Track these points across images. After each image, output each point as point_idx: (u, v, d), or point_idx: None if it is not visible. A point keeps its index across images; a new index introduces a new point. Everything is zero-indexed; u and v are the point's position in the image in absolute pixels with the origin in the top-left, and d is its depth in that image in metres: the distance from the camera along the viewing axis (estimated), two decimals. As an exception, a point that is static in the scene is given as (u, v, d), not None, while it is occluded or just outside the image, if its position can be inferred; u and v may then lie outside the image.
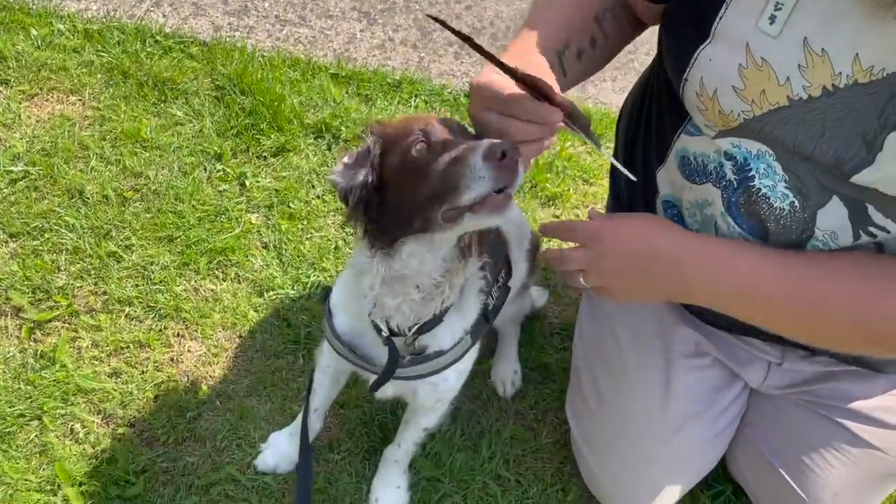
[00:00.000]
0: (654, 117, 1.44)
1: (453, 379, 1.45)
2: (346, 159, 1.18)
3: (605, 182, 2.36)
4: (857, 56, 1.03)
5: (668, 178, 1.42)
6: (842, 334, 1.20)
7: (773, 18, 1.09)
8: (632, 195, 1.57)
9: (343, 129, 2.36)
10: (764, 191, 1.21)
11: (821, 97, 1.08)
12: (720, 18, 1.14)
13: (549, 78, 1.12)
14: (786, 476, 1.51)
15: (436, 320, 1.30)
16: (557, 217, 2.31)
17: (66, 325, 1.95)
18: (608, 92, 2.69)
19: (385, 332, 1.30)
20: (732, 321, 1.35)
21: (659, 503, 1.60)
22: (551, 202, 2.34)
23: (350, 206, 1.16)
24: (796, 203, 1.18)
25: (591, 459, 1.67)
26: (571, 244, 1.31)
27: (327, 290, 1.52)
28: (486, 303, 1.39)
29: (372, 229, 1.17)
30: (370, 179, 1.13)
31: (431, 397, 1.49)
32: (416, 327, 1.28)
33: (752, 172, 1.21)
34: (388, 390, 1.47)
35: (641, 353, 1.60)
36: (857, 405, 1.45)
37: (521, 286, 1.77)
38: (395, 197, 1.12)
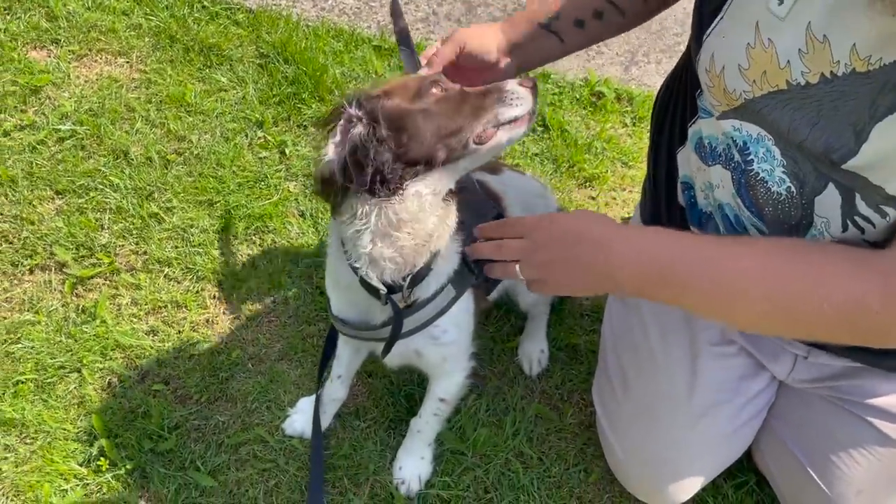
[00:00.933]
0: (680, 101, 1.45)
1: (453, 332, 1.48)
2: (334, 139, 1.21)
3: (644, 165, 2.34)
4: (854, 45, 1.03)
5: (685, 160, 1.44)
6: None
7: (782, 0, 1.08)
8: (657, 179, 1.58)
9: (383, 101, 2.36)
10: (762, 175, 1.21)
11: (818, 84, 1.08)
12: None
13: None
14: (810, 471, 1.50)
15: (426, 269, 1.34)
16: (594, 199, 2.30)
17: (108, 282, 2.00)
18: (652, 74, 2.65)
19: (383, 290, 1.33)
20: None
21: (682, 489, 1.60)
22: (588, 183, 2.33)
23: (350, 165, 1.19)
24: (793, 188, 1.18)
25: (615, 443, 1.67)
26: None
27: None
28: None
29: (376, 178, 1.19)
30: (376, 132, 1.18)
31: (436, 354, 1.52)
32: (409, 278, 1.32)
33: (752, 156, 1.22)
34: (395, 358, 1.51)
35: (668, 340, 1.59)
36: (884, 402, 1.43)
37: None
38: (412, 137, 1.20)
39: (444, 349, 1.52)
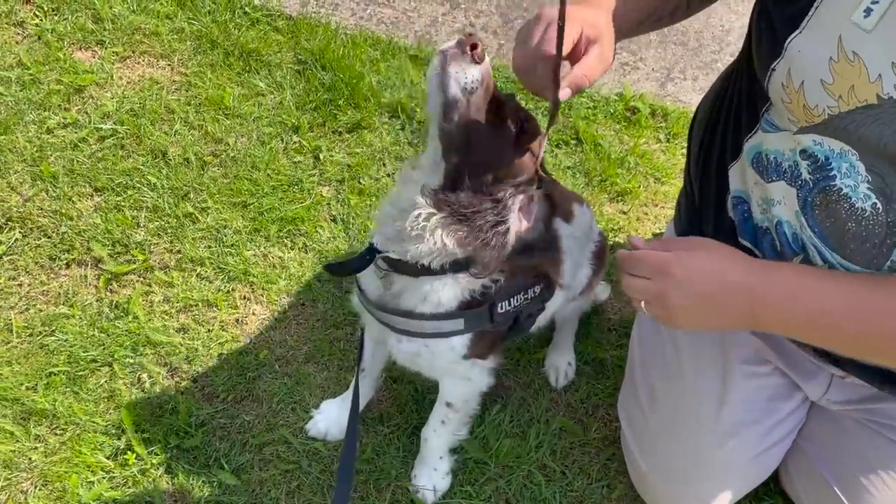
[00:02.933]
0: (732, 114, 1.42)
1: (424, 351, 1.48)
2: None
3: (677, 182, 2.33)
4: None
5: (739, 175, 1.40)
6: None
7: (868, 11, 1.05)
8: (703, 196, 1.55)
9: (418, 110, 2.38)
10: (845, 191, 1.17)
11: None
12: (815, 8, 1.11)
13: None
14: (840, 495, 1.47)
15: (411, 269, 1.35)
16: (625, 213, 2.29)
17: (141, 279, 2.03)
18: (688, 91, 2.63)
19: (369, 243, 1.41)
20: None
21: (706, 509, 1.58)
22: (620, 198, 2.32)
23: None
24: (878, 205, 1.15)
25: (640, 459, 1.65)
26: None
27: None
28: (478, 297, 1.41)
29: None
30: None
31: (402, 358, 1.54)
32: (386, 254, 1.37)
33: (834, 171, 1.18)
34: (402, 355, 1.54)
35: (699, 356, 1.58)
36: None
37: (584, 288, 1.78)
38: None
39: (415, 359, 1.52)
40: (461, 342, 1.46)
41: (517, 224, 1.27)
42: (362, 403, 1.82)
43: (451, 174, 1.26)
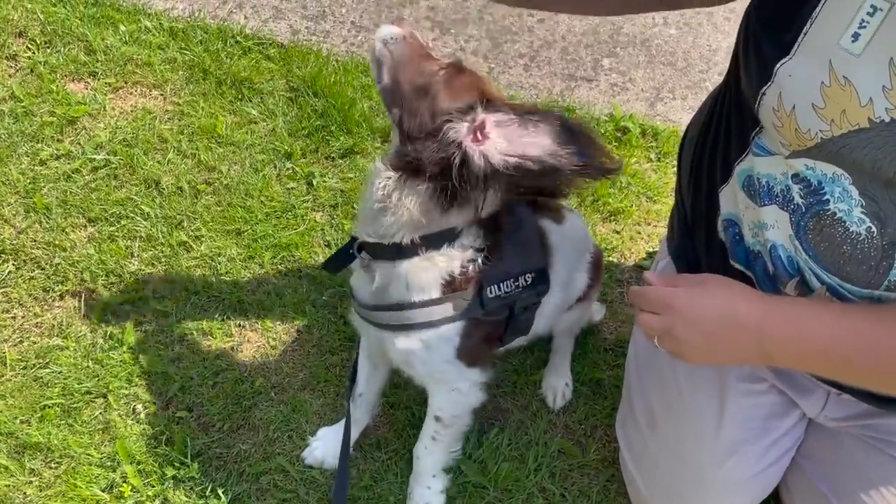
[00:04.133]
0: (722, 136, 1.42)
1: (417, 347, 1.47)
2: None
3: (669, 200, 2.33)
4: None
5: (730, 198, 1.40)
6: None
7: (855, 36, 1.06)
8: (695, 215, 1.56)
9: (410, 134, 2.39)
10: (839, 215, 1.18)
11: None
12: (804, 34, 1.12)
13: None
14: (841, 511, 1.46)
15: (388, 252, 1.37)
16: (619, 233, 2.29)
17: (136, 309, 2.03)
18: (678, 110, 2.66)
19: (353, 234, 1.44)
20: None
21: (706, 529, 1.57)
22: (613, 218, 2.32)
23: None
24: (873, 229, 1.15)
25: (639, 480, 1.65)
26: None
27: None
28: (459, 277, 1.41)
29: None
30: None
31: (397, 358, 1.53)
32: (362, 240, 1.40)
33: (827, 196, 1.18)
34: (373, 339, 1.57)
35: (695, 375, 1.57)
36: (919, 442, 1.40)
37: (582, 295, 1.78)
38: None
39: (406, 356, 1.51)
40: (454, 331, 1.46)
41: (471, 147, 1.21)
42: (358, 430, 1.81)
43: (401, 132, 1.29)
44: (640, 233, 2.31)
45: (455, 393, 1.57)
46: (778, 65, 1.15)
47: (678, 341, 1.22)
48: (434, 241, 1.36)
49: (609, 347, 2.08)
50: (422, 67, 1.30)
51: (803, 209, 1.22)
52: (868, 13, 1.05)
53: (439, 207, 1.29)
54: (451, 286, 1.41)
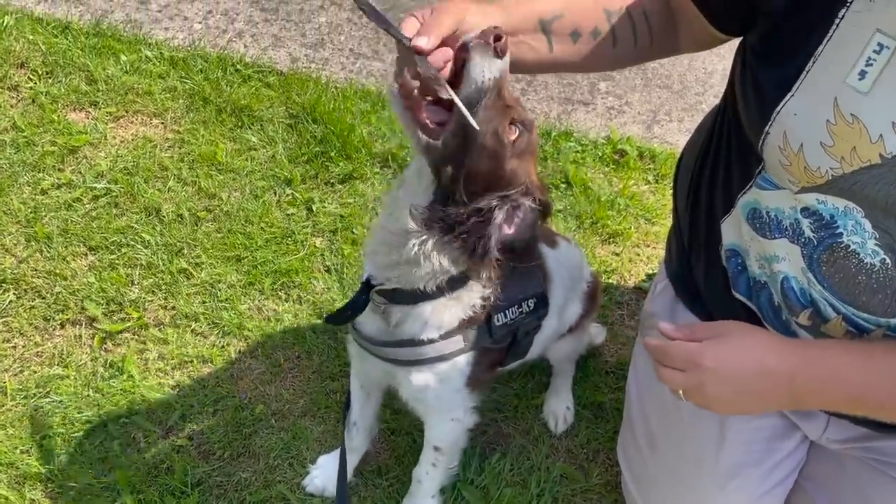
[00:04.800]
0: (721, 166, 1.40)
1: (432, 382, 1.46)
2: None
3: (667, 222, 2.34)
4: None
5: (734, 229, 1.38)
6: None
7: (863, 74, 1.05)
8: (693, 242, 1.55)
9: (409, 159, 2.41)
10: (853, 247, 1.16)
11: None
12: (807, 72, 1.11)
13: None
14: (845, 534, 1.45)
15: (409, 297, 1.34)
16: (618, 255, 2.30)
17: (136, 336, 2.03)
18: (674, 132, 2.67)
19: (362, 278, 1.40)
20: None
21: (710, 554, 1.55)
22: (612, 240, 2.33)
23: None
24: (888, 260, 1.14)
25: (640, 503, 1.63)
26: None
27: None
28: (477, 311, 1.40)
29: None
30: None
31: (423, 405, 1.54)
32: (382, 286, 1.36)
33: (840, 229, 1.16)
34: (375, 371, 1.55)
35: (696, 399, 1.57)
36: (921, 464, 1.39)
37: (574, 325, 1.78)
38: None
39: (418, 393, 1.50)
40: (465, 361, 1.46)
41: (498, 232, 1.20)
42: (357, 457, 1.80)
43: (442, 188, 1.19)
44: (639, 255, 2.31)
45: (454, 422, 1.58)
46: (781, 104, 1.13)
47: (707, 397, 1.19)
48: (459, 281, 1.34)
49: (610, 370, 2.07)
50: (502, 124, 1.15)
51: (815, 242, 1.21)
52: (875, 51, 1.04)
53: (467, 257, 1.25)
54: (470, 320, 1.40)
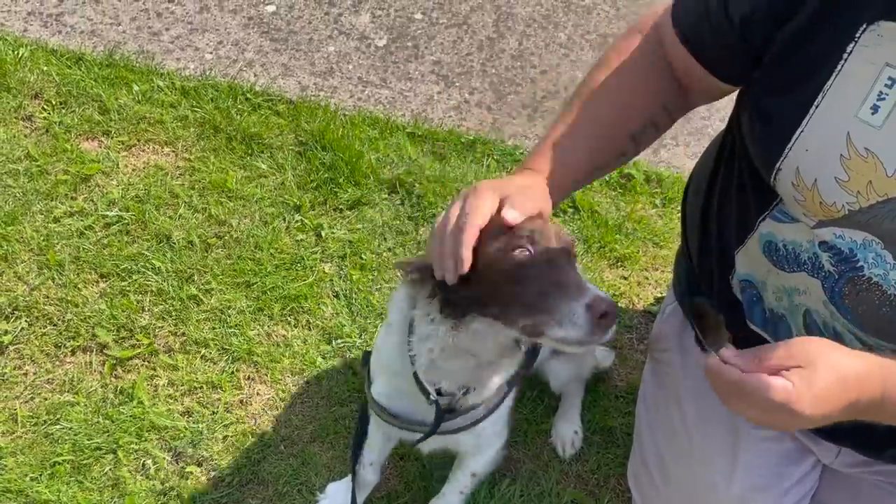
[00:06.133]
0: (734, 197, 1.38)
1: (489, 425, 1.47)
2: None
3: (675, 245, 2.34)
4: None
5: (748, 261, 1.36)
6: None
7: (875, 108, 1.05)
8: (703, 270, 1.54)
9: (417, 185, 2.43)
10: (875, 279, 1.14)
11: None
12: (816, 107, 1.10)
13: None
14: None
15: (482, 382, 1.34)
16: (626, 279, 2.30)
17: (146, 363, 2.04)
18: (681, 157, 2.68)
19: (433, 396, 1.33)
20: None
21: (724, 581, 1.53)
22: (620, 264, 2.33)
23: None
24: None
25: (653, 529, 1.62)
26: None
27: (367, 355, 1.58)
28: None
29: (444, 298, 1.17)
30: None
31: (473, 444, 1.53)
32: (463, 391, 1.33)
33: (861, 263, 1.15)
34: (432, 443, 1.50)
35: (707, 422, 1.55)
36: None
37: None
38: (480, 283, 1.10)
39: (485, 439, 1.53)
40: (511, 396, 1.49)
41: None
42: (368, 491, 1.79)
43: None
44: (647, 278, 2.31)
45: (500, 451, 1.62)
46: (792, 140, 1.12)
47: (791, 429, 1.15)
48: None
49: (620, 395, 2.06)
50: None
51: (836, 276, 1.19)
52: (886, 85, 1.04)
53: None
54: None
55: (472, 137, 2.63)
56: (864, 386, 1.04)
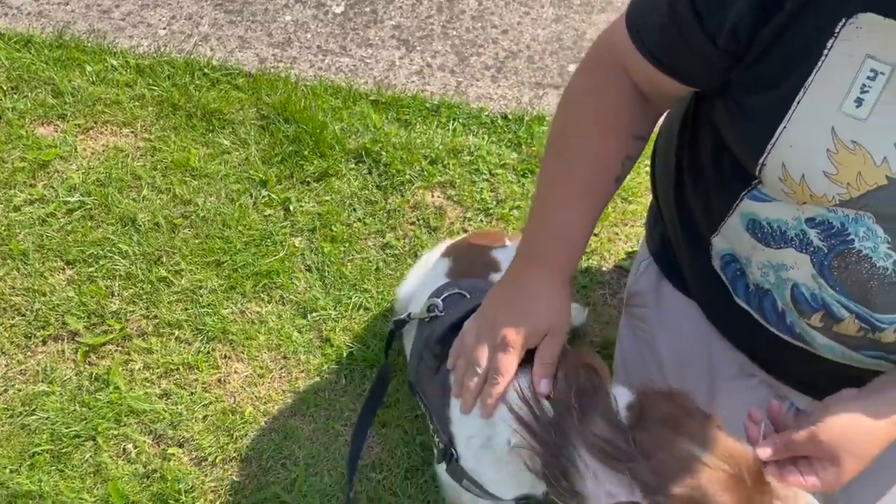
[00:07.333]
0: (711, 187, 1.36)
1: None
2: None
3: (644, 199, 2.36)
4: None
5: (731, 239, 1.35)
6: None
7: (859, 101, 1.03)
8: (678, 239, 1.52)
9: (383, 153, 2.40)
10: (865, 252, 1.14)
11: None
12: (797, 103, 1.08)
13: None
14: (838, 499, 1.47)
15: None
16: (597, 235, 2.31)
17: (119, 348, 2.02)
18: (647, 110, 2.68)
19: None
20: (782, 364, 1.39)
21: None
22: (590, 221, 2.34)
23: None
24: None
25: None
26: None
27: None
28: None
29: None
30: None
31: None
32: None
33: (851, 236, 1.14)
34: None
35: (684, 378, 1.56)
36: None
37: None
38: None
39: None
40: None
41: None
42: None
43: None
44: (617, 234, 2.33)
45: None
46: (774, 137, 1.11)
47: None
48: None
49: (596, 350, 2.08)
50: None
51: (825, 251, 1.18)
52: (869, 77, 1.02)
53: None
54: None
55: (436, 102, 2.60)
56: None
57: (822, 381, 1.41)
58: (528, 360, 1.27)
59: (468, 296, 1.49)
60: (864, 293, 1.19)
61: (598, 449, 1.06)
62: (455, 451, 1.36)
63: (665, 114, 1.62)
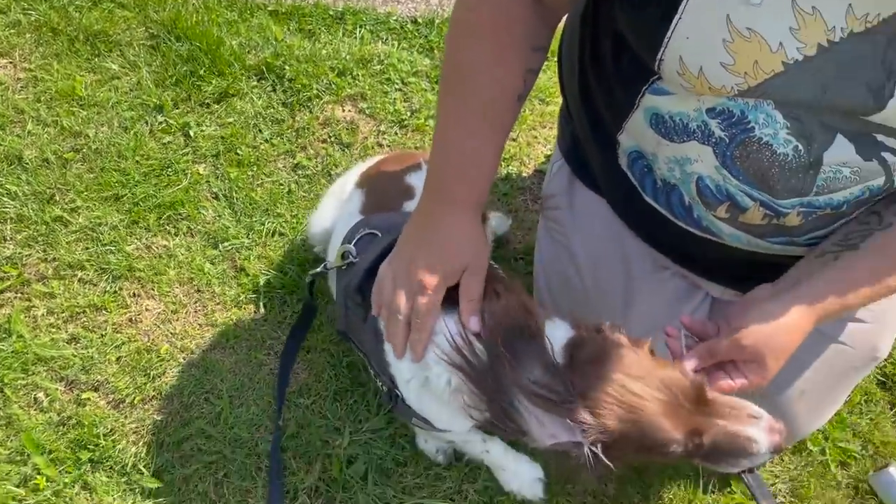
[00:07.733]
0: (614, 87, 1.33)
1: None
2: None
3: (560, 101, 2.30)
4: (850, 6, 0.96)
5: (635, 136, 1.34)
6: None
7: None
8: (589, 142, 1.50)
9: (287, 68, 2.27)
10: (766, 139, 1.14)
11: (816, 55, 1.01)
12: None
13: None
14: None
15: None
16: (514, 140, 2.25)
17: (19, 294, 1.90)
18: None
19: None
20: (692, 256, 1.40)
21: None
22: (507, 126, 2.28)
23: None
24: (800, 147, 1.12)
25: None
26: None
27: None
28: None
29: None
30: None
31: None
32: None
33: (752, 124, 1.14)
34: None
35: (599, 277, 1.57)
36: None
37: None
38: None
39: None
40: None
41: None
42: None
43: None
44: (536, 137, 2.27)
45: None
46: (669, 31, 1.07)
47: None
48: None
49: (520, 256, 2.06)
50: None
51: (727, 141, 1.18)
52: None
53: None
54: None
55: (340, 9, 2.45)
56: (817, 316, 1.18)
57: (733, 269, 1.42)
58: (452, 295, 1.23)
59: (379, 234, 1.42)
60: (766, 180, 1.20)
61: (535, 395, 1.05)
62: (399, 392, 1.33)
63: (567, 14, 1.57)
